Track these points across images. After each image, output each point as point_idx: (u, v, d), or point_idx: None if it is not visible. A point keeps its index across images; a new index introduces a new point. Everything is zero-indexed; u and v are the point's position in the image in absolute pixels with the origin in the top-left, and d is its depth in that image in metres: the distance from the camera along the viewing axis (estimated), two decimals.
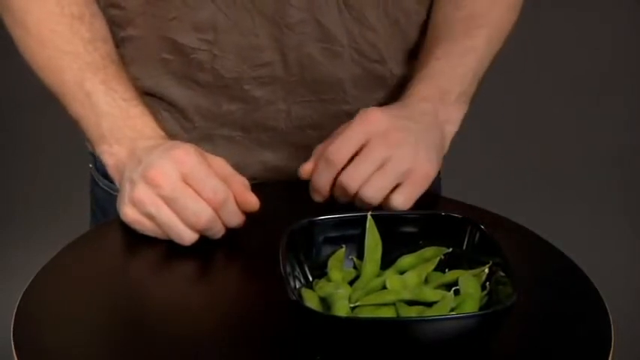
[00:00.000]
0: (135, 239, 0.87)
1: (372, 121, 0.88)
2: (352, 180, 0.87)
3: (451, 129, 0.95)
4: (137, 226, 0.87)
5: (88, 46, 0.94)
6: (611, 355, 0.73)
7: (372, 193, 0.86)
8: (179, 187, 0.84)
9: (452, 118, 0.95)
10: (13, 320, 0.76)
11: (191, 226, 0.85)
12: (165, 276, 0.85)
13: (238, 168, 0.88)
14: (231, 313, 0.79)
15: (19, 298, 0.78)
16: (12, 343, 0.73)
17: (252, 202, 0.87)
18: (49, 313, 0.78)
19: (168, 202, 0.84)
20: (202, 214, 0.84)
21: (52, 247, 0.88)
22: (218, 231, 0.86)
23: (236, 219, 0.86)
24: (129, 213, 0.86)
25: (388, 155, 0.87)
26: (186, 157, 0.85)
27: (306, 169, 0.91)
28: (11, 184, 2.51)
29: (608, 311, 0.78)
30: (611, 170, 2.54)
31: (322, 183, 0.89)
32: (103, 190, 1.09)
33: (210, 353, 0.73)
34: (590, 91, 2.59)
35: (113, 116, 0.92)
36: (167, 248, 0.86)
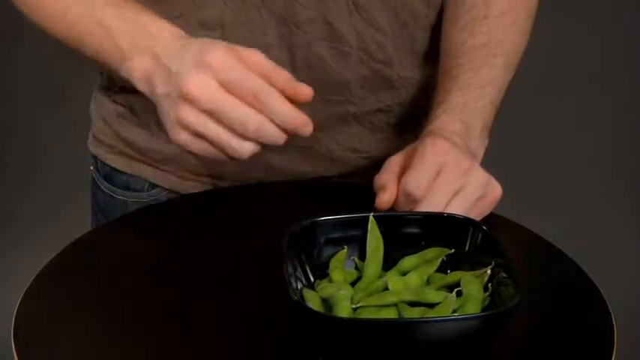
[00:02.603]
0: (136, 240, 0.87)
1: (443, 151, 0.87)
2: (431, 210, 0.85)
3: (476, 161, 0.93)
4: (194, 148, 0.82)
5: None
6: (614, 355, 0.73)
7: None
8: (217, 97, 0.79)
9: (477, 152, 0.94)
10: (13, 320, 0.75)
11: (242, 136, 0.80)
12: (166, 276, 0.85)
13: (243, 170, 0.87)
14: (232, 313, 0.78)
15: (20, 299, 0.78)
16: (12, 344, 0.73)
17: (304, 91, 0.82)
18: (49, 314, 0.78)
19: (212, 115, 0.79)
20: (248, 120, 0.79)
21: (52, 247, 0.87)
22: (274, 136, 0.81)
23: (289, 118, 0.80)
24: (181, 137, 0.81)
25: (462, 183, 0.86)
26: (219, 61, 0.80)
27: (384, 201, 0.87)
28: (13, 184, 2.51)
29: (611, 312, 0.78)
30: (612, 169, 2.54)
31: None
32: (104, 193, 1.08)
33: (210, 354, 0.73)
34: (591, 91, 2.59)
35: (128, 31, 0.87)
36: (168, 249, 0.86)
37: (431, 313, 0.72)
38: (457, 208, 0.84)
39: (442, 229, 0.80)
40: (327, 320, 0.70)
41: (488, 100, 0.97)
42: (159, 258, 0.86)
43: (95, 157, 1.09)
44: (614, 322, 0.76)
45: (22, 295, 0.79)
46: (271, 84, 0.80)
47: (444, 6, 1.03)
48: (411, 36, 1.02)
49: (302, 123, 0.81)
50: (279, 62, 0.96)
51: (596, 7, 2.56)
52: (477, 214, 0.86)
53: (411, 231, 0.80)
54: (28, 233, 2.36)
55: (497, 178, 0.90)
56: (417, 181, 0.85)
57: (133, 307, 0.79)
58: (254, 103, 0.79)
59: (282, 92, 0.80)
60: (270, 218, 0.86)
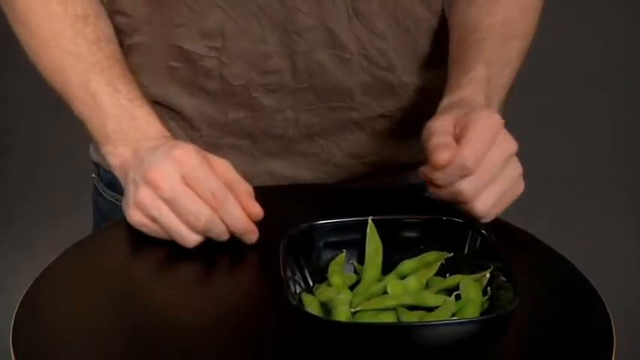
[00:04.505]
0: (136, 242, 0.87)
1: (496, 122, 0.86)
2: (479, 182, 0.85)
3: None
4: (143, 229, 0.86)
5: (92, 47, 0.94)
6: (613, 355, 0.73)
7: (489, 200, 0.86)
8: (178, 189, 0.84)
9: None
10: (12, 323, 0.75)
11: (192, 228, 0.84)
12: (166, 279, 0.85)
13: (246, 177, 0.88)
14: (231, 317, 0.78)
15: (19, 301, 0.78)
16: (10, 347, 0.73)
17: (255, 211, 0.86)
18: (48, 316, 0.78)
19: (169, 203, 0.84)
20: (201, 215, 0.84)
21: (52, 249, 0.87)
22: (220, 233, 0.85)
23: (239, 222, 0.85)
24: (134, 216, 0.86)
25: (505, 166, 0.86)
26: (186, 157, 0.85)
27: (445, 159, 0.84)
28: (13, 184, 2.51)
29: (610, 315, 0.78)
30: (612, 169, 2.54)
31: (451, 184, 0.86)
32: (107, 201, 1.09)
33: (210, 357, 0.73)
34: (591, 89, 2.58)
35: (118, 117, 0.92)
36: (168, 251, 0.86)
37: (430, 317, 0.72)
38: (493, 191, 0.85)
39: (441, 232, 0.80)
40: (325, 324, 0.70)
41: (505, 80, 0.97)
42: (158, 261, 0.86)
43: (97, 165, 1.10)
44: (612, 326, 0.76)
45: (21, 297, 0.79)
46: (231, 190, 0.85)
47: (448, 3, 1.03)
48: (414, 41, 1.02)
49: (250, 229, 0.86)
50: (279, 71, 0.97)
51: (595, 5, 2.56)
52: (502, 205, 0.87)
53: (410, 235, 0.80)
54: (27, 234, 2.35)
55: None
56: (474, 154, 0.84)
57: (132, 310, 0.79)
58: (210, 201, 0.84)
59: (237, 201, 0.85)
60: (268, 222, 0.86)
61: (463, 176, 0.84)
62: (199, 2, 0.95)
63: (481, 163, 0.84)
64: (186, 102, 1.00)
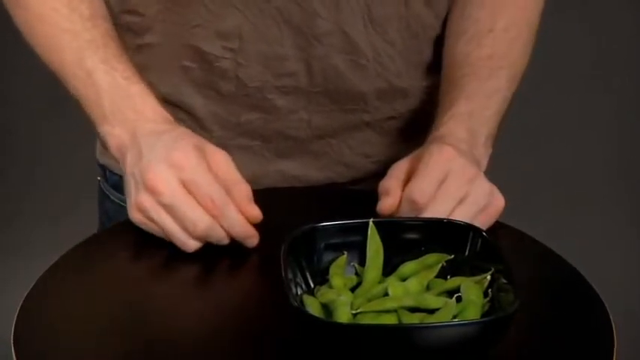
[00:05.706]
0: (137, 244, 0.87)
1: (449, 159, 0.87)
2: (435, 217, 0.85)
3: (481, 170, 0.93)
4: (145, 227, 0.87)
5: (87, 24, 0.93)
6: (613, 357, 0.73)
7: None
8: (178, 195, 0.84)
9: (481, 161, 0.94)
10: (13, 324, 0.75)
11: (190, 234, 0.84)
12: (167, 281, 0.85)
13: (256, 178, 0.88)
14: (232, 318, 0.79)
15: (21, 302, 0.78)
16: (12, 348, 0.73)
17: (254, 214, 0.86)
18: (49, 316, 0.78)
19: (168, 209, 0.84)
20: (200, 222, 0.84)
21: (53, 250, 0.88)
22: (220, 238, 0.85)
23: (238, 228, 0.85)
24: (136, 215, 0.86)
25: (467, 191, 0.86)
26: (185, 160, 0.85)
27: (387, 206, 0.87)
28: (13, 185, 2.51)
29: (610, 314, 0.78)
30: (613, 170, 2.54)
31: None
32: (113, 203, 1.08)
33: (211, 358, 0.73)
34: (593, 90, 2.59)
35: (114, 96, 0.91)
36: (169, 254, 0.85)
37: (431, 319, 0.72)
38: (460, 217, 0.84)
39: (442, 234, 0.80)
40: (327, 326, 0.70)
41: (494, 109, 0.97)
42: (160, 262, 0.86)
43: (103, 167, 1.09)
44: (613, 326, 0.76)
45: (22, 298, 0.79)
46: (230, 194, 0.85)
47: (447, 20, 1.03)
48: (419, 47, 1.02)
49: (249, 235, 0.86)
50: (295, 74, 0.97)
51: (597, 7, 2.56)
52: (479, 225, 0.86)
53: (411, 237, 0.80)
54: (27, 234, 2.35)
55: (497, 179, 0.89)
56: (422, 188, 0.85)
57: (133, 311, 0.79)
58: (209, 207, 0.84)
59: (236, 205, 0.85)
60: (270, 224, 0.86)
61: (418, 210, 0.85)
62: (217, 3, 0.95)
63: (436, 193, 0.85)
64: (199, 102, 1.00)
